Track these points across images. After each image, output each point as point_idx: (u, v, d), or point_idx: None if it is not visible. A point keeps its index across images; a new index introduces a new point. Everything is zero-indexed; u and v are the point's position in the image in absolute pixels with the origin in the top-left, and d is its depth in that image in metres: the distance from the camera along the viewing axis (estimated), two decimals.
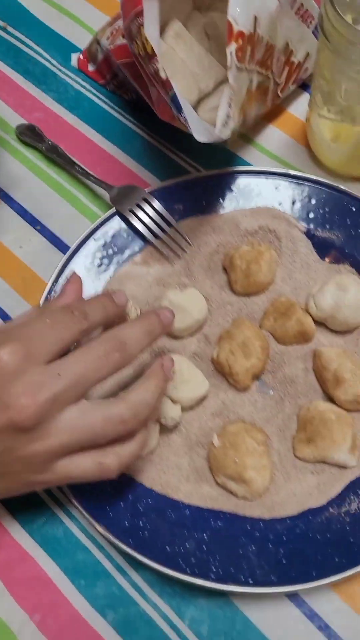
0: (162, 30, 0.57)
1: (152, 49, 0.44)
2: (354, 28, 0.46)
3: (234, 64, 0.45)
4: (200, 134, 0.45)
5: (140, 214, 0.56)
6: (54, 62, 0.69)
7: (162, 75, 0.44)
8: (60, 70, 0.68)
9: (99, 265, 0.55)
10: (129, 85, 0.63)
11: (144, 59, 0.46)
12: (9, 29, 0.71)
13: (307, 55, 0.60)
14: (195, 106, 0.58)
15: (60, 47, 0.70)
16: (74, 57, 0.69)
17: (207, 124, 0.47)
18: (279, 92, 0.60)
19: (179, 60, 0.57)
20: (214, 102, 0.57)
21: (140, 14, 0.45)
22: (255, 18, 0.46)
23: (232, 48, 0.44)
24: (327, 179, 0.58)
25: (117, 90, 0.66)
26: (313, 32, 0.58)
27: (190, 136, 0.45)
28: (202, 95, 0.58)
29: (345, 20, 0.46)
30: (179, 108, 0.44)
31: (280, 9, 0.50)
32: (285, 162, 0.61)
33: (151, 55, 0.45)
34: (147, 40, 0.45)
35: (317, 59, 0.53)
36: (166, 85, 0.45)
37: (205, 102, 0.59)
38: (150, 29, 0.46)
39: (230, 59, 0.44)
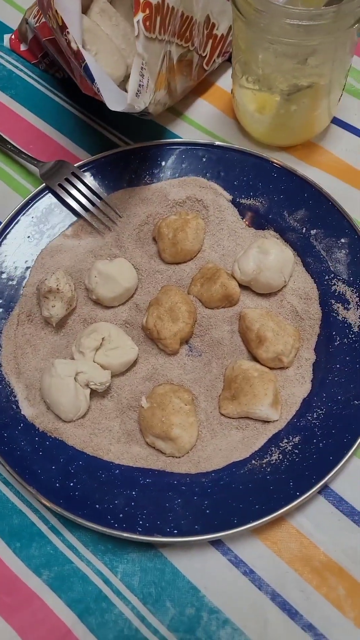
0: (88, 6, 0.58)
1: (62, 20, 0.45)
2: None
3: (141, 33, 0.46)
4: (114, 103, 0.46)
5: (70, 188, 0.57)
6: None
7: (74, 46, 0.45)
8: None
9: (31, 239, 0.56)
10: (59, 63, 0.64)
11: (57, 32, 0.47)
12: None
13: (231, 28, 0.61)
14: (125, 81, 0.59)
15: None
16: (6, 38, 0.69)
17: (123, 92, 0.48)
18: (204, 65, 0.61)
19: (105, 36, 0.58)
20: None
21: None
22: None
23: (138, 17, 0.45)
24: (252, 148, 0.59)
25: (49, 69, 0.67)
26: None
27: (121, 112, 0.46)
28: (129, 71, 0.59)
29: None
30: (92, 78, 0.45)
31: None
32: (213, 134, 0.63)
33: (62, 27, 0.46)
34: (57, 12, 0.46)
35: (232, 30, 0.54)
36: (78, 56, 0.46)
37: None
38: (62, 1, 0.47)
39: (137, 28, 0.45)
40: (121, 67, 0.58)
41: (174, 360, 0.52)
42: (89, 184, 0.57)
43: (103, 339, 0.50)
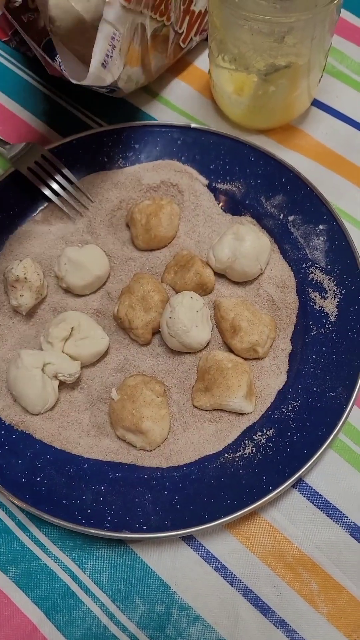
0: None
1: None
2: None
3: (117, 1, 0.43)
4: (75, 75, 0.43)
5: (40, 171, 0.55)
6: None
7: (41, 24, 0.43)
8: None
9: None
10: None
11: (19, 11, 0.45)
12: None
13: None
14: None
15: None
16: None
17: (85, 65, 0.45)
18: (181, 43, 0.59)
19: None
20: None
21: None
22: None
23: None
24: (230, 131, 0.57)
25: (20, 47, 0.64)
26: None
27: (94, 93, 0.43)
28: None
29: None
30: (53, 53, 0.43)
31: None
32: (190, 116, 0.61)
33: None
34: None
35: (208, 7, 0.52)
36: (42, 33, 0.43)
37: None
38: None
39: None
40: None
41: (146, 351, 0.51)
42: (60, 168, 0.55)
43: (72, 328, 0.49)
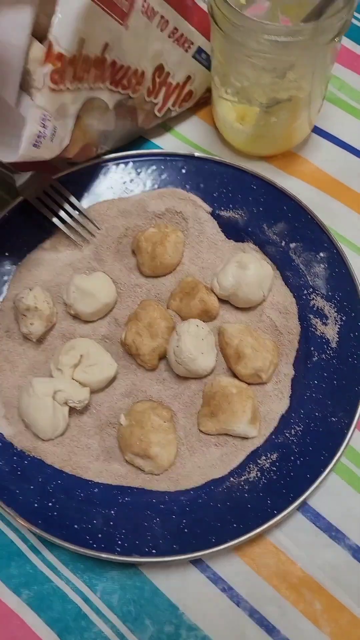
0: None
1: None
2: (239, 12, 0.47)
3: (46, 86, 0.44)
4: (6, 153, 0.44)
5: (48, 200, 0.56)
6: None
7: None
8: None
9: (8, 253, 0.55)
10: None
11: None
12: None
13: (189, 78, 0.59)
14: None
15: None
16: None
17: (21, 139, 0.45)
18: (156, 112, 0.59)
19: None
20: None
21: None
22: (83, 40, 0.45)
23: (46, 69, 0.43)
24: (234, 159, 0.59)
25: None
26: (194, 57, 0.58)
27: None
28: None
29: (231, 5, 0.47)
30: None
31: (129, 32, 0.49)
32: (193, 143, 0.62)
33: None
34: None
35: (211, 42, 0.54)
36: None
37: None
38: None
39: (41, 81, 0.44)
40: None
41: (152, 376, 0.52)
42: (67, 196, 0.56)
43: (81, 355, 0.50)
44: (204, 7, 0.56)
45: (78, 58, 0.45)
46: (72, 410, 0.50)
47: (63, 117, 0.47)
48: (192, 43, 0.57)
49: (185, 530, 0.45)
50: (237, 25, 0.47)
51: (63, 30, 0.43)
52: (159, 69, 0.56)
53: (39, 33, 0.54)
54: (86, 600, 0.46)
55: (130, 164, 0.58)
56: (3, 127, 0.47)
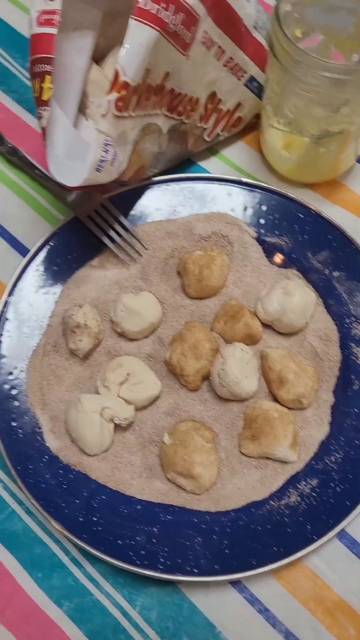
0: (104, 56, 0.58)
1: (49, 97, 0.46)
2: (298, 47, 0.48)
3: (110, 113, 0.45)
4: (69, 177, 0.46)
5: (98, 219, 0.57)
6: (14, 62, 0.69)
7: (43, 123, 0.46)
8: (19, 71, 0.69)
9: (57, 268, 0.57)
10: None
11: (36, 101, 0.48)
12: None
13: (239, 105, 0.61)
14: None
15: (21, 47, 0.70)
16: None
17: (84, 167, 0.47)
18: (206, 137, 0.61)
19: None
20: None
21: (42, 60, 0.47)
22: (148, 70, 0.46)
23: (111, 97, 0.44)
24: (278, 185, 0.60)
25: None
26: (245, 85, 0.60)
27: None
28: None
29: (291, 39, 0.48)
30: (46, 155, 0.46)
31: (188, 62, 0.51)
32: (239, 168, 0.64)
33: (43, 102, 0.47)
34: (48, 87, 0.46)
35: (267, 73, 0.55)
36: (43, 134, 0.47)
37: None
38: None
39: (106, 107, 0.45)
40: None
41: (195, 396, 0.53)
42: (117, 216, 0.58)
43: (128, 373, 0.51)
44: (259, 38, 0.57)
45: (141, 87, 0.47)
46: (116, 427, 0.51)
47: (123, 143, 0.49)
48: (246, 72, 0.58)
49: (226, 551, 0.46)
50: (296, 61, 0.48)
51: (130, 61, 0.44)
52: (212, 96, 0.57)
53: (96, 55, 0.57)
54: (125, 614, 0.47)
55: (179, 186, 0.59)
56: (68, 152, 0.48)
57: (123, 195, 0.59)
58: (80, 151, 0.49)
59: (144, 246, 0.58)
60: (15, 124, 0.66)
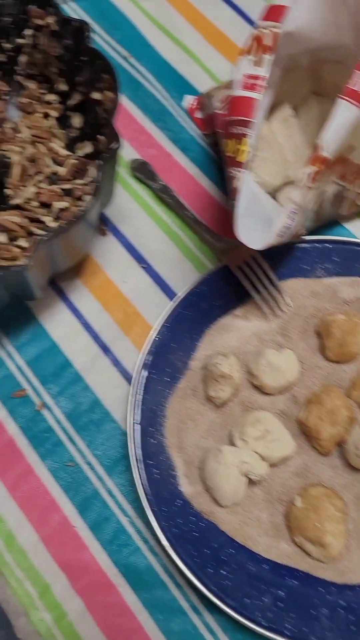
0: (272, 110, 0.59)
1: (245, 160, 0.47)
2: None
3: (305, 185, 0.47)
4: (254, 241, 0.47)
5: (247, 270, 0.58)
6: (171, 100, 0.71)
7: (236, 184, 0.47)
8: (175, 110, 0.70)
9: (201, 314, 0.58)
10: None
11: (229, 161, 0.49)
12: (132, 60, 0.73)
13: None
14: (277, 189, 0.59)
15: (178, 85, 0.72)
16: (186, 99, 0.71)
17: (267, 232, 0.49)
18: (358, 201, 0.62)
19: (277, 144, 0.59)
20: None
21: (242, 123, 0.48)
22: (352, 147, 0.48)
23: (310, 170, 0.46)
24: None
25: (214, 147, 0.68)
26: None
27: None
28: (287, 181, 0.59)
29: None
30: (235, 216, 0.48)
31: None
32: None
33: (238, 163, 0.48)
34: (245, 150, 0.47)
35: None
36: (232, 194, 0.48)
37: (289, 188, 0.59)
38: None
39: (305, 180, 0.46)
40: (278, 178, 0.59)
41: (325, 461, 0.54)
42: (265, 269, 0.58)
43: (266, 430, 0.52)
44: None
45: (334, 160, 0.48)
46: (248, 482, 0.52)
47: (305, 211, 0.50)
48: None
49: (353, 628, 0.46)
50: None
51: (333, 138, 0.45)
52: None
53: None
54: None
55: (329, 248, 0.60)
56: (246, 210, 0.50)
57: (273, 250, 0.59)
58: (256, 211, 0.50)
59: (287, 303, 0.59)
60: (168, 162, 0.67)
